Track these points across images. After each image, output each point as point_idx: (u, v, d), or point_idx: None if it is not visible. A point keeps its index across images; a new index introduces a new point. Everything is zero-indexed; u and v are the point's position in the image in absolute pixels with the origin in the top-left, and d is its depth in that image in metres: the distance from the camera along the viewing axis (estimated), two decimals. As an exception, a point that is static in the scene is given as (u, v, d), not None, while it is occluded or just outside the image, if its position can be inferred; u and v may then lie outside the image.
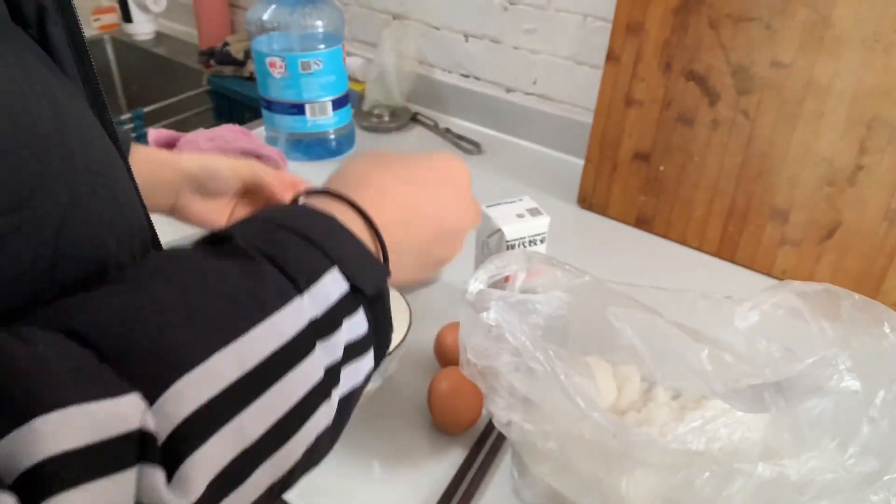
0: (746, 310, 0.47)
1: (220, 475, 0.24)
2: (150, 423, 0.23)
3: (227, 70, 1.31)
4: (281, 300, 0.28)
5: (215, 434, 0.24)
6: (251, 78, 1.27)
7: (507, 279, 0.50)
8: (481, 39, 1.09)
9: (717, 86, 0.77)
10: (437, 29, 1.13)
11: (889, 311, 0.43)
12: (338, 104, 1.00)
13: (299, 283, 0.29)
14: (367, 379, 0.33)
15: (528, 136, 1.07)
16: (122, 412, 0.22)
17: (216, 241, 0.30)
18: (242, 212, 0.64)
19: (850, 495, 0.40)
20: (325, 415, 0.29)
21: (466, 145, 1.05)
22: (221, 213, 0.63)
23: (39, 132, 0.27)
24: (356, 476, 0.55)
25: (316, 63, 0.95)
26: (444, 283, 0.76)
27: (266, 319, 0.27)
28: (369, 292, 0.32)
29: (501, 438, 0.58)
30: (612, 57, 0.84)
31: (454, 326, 0.63)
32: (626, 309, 0.46)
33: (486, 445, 0.57)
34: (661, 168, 0.83)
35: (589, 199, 0.90)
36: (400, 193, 0.38)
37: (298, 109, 0.98)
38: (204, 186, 0.61)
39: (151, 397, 0.23)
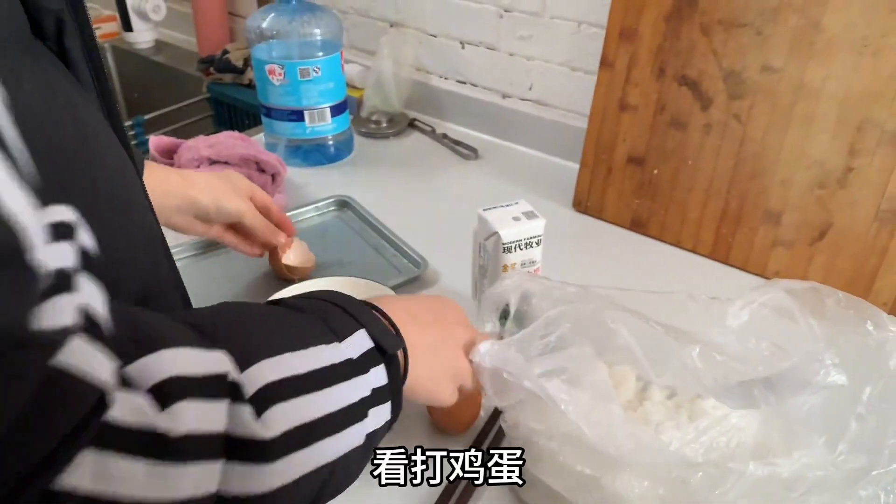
0: (738, 309, 0.47)
1: (293, 430, 0.32)
2: (239, 378, 0.30)
3: (227, 77, 1.32)
4: (326, 341, 0.36)
5: (289, 400, 0.32)
6: (251, 85, 1.28)
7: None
8: (477, 46, 1.10)
9: (710, 90, 0.78)
10: (434, 36, 1.14)
11: (872, 308, 0.44)
12: (336, 110, 1.01)
13: (339, 335, 0.37)
14: (387, 428, 0.40)
15: (524, 140, 1.08)
16: (219, 359, 0.30)
17: (271, 304, 0.40)
18: (229, 234, 0.73)
19: (840, 491, 0.41)
20: (357, 434, 0.36)
21: (463, 150, 1.06)
22: (209, 229, 0.71)
23: (66, 147, 0.29)
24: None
25: (315, 70, 0.96)
26: (443, 284, 0.77)
27: (319, 345, 0.36)
28: (389, 351, 0.39)
29: (500, 438, 0.58)
30: (605, 63, 0.85)
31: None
32: (620, 311, 0.47)
33: (484, 445, 0.58)
34: (655, 172, 0.84)
35: (584, 203, 0.91)
36: (400, 309, 0.45)
37: (297, 116, 0.99)
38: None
39: (241, 365, 0.31)
